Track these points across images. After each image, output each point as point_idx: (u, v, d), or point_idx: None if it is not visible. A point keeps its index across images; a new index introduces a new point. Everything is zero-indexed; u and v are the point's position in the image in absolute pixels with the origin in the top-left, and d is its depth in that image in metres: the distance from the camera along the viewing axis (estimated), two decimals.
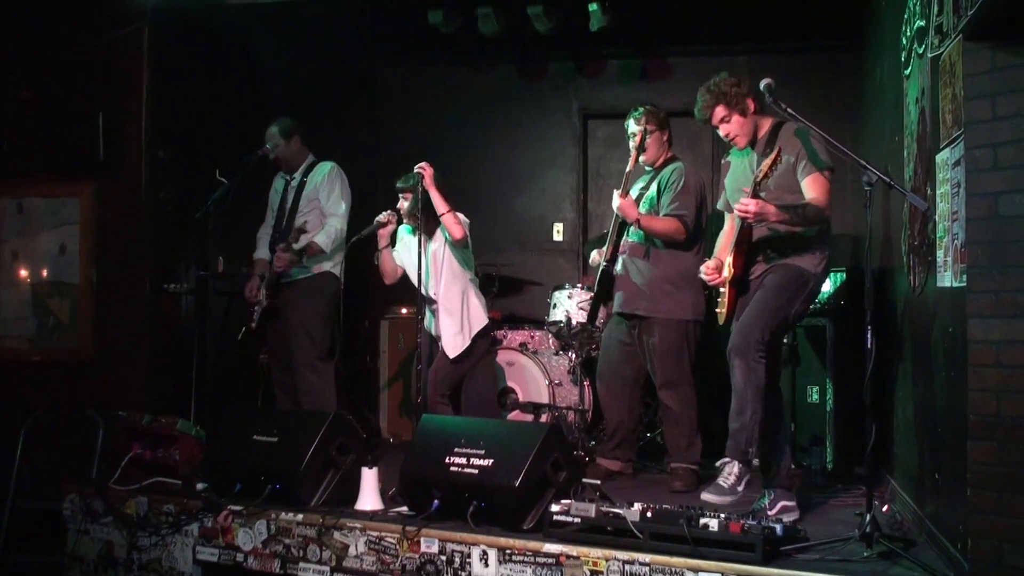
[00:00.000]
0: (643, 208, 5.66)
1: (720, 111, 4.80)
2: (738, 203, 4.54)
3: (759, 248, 4.74)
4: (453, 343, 5.89)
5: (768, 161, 4.46)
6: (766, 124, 4.83)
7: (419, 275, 5.78)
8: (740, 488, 4.54)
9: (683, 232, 5.54)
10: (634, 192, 5.79)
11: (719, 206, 5.21)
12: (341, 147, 6.74)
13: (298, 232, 5.96)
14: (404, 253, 6.08)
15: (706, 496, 4.54)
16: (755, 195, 4.52)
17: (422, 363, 5.98)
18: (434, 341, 6.05)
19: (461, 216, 5.86)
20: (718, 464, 4.65)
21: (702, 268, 4.91)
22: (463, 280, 5.98)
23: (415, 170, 5.75)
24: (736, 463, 4.56)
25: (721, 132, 4.87)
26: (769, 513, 4.45)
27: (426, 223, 5.81)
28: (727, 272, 4.76)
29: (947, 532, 3.81)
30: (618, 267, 5.78)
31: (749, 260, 4.75)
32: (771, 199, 4.55)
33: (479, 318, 5.99)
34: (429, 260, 5.94)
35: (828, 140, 4.45)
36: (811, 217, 4.58)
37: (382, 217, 5.93)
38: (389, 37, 7.83)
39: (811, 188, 4.59)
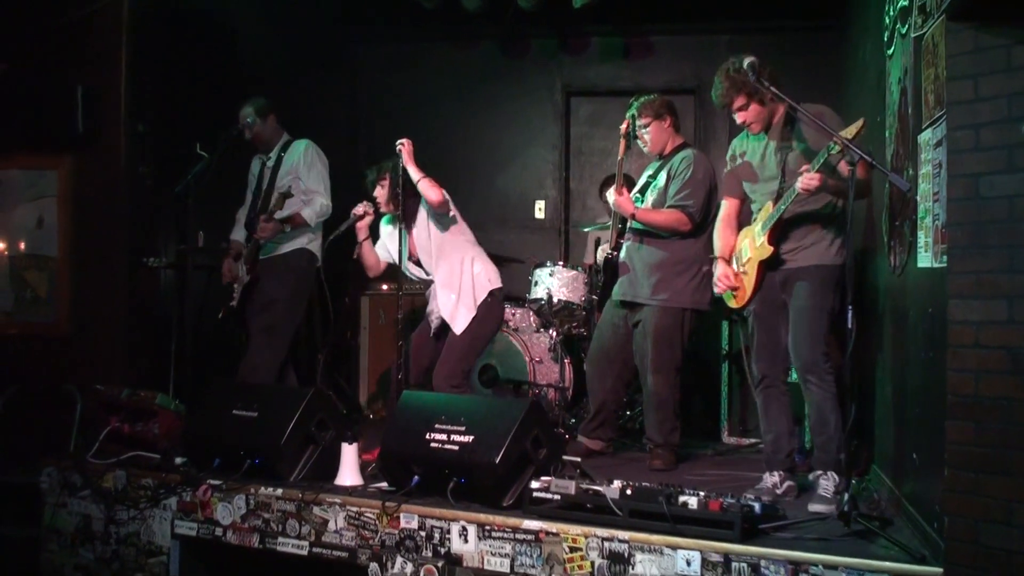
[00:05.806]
0: (650, 195, 5.63)
1: (740, 100, 4.69)
2: (802, 180, 4.35)
3: (790, 227, 4.67)
4: (455, 315, 5.63)
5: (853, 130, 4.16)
6: (780, 110, 4.74)
7: (399, 255, 5.64)
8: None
9: (687, 223, 5.48)
10: (642, 180, 5.79)
11: (723, 190, 5.08)
12: (321, 123, 6.71)
13: (282, 197, 5.83)
14: (390, 243, 5.85)
15: (814, 507, 4.40)
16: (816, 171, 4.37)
17: (403, 339, 5.93)
18: (433, 335, 5.75)
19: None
20: (811, 477, 4.66)
21: (716, 280, 4.87)
22: (460, 250, 5.73)
23: (396, 145, 5.55)
24: (831, 473, 4.56)
25: (738, 119, 4.78)
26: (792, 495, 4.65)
27: (406, 202, 5.59)
28: (754, 252, 4.67)
29: (924, 511, 3.83)
30: (621, 255, 5.75)
31: (782, 238, 4.67)
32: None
33: (482, 284, 5.68)
34: (421, 241, 5.73)
35: (812, 120, 4.43)
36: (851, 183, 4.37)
37: (358, 209, 5.69)
38: (371, 12, 7.79)
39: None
